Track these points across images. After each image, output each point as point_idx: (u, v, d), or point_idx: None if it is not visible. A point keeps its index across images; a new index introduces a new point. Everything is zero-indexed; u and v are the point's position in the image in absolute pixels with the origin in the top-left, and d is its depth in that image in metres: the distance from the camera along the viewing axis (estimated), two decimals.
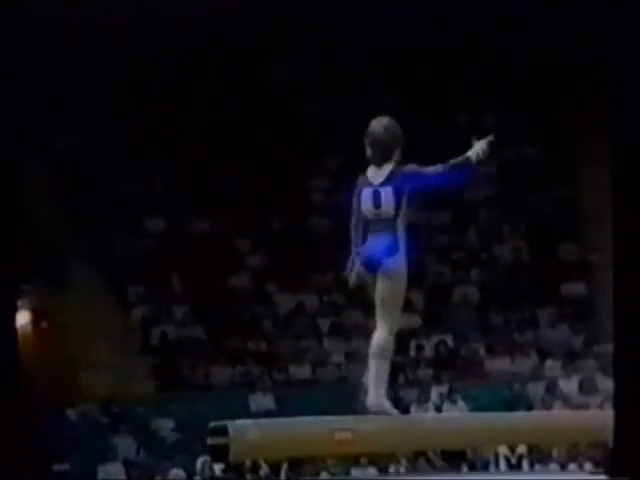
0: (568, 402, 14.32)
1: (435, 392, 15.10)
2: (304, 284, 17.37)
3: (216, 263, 17.17)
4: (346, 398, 14.99)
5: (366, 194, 5.74)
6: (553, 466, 13.41)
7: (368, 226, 5.76)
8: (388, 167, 5.74)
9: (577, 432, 6.61)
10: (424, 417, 6.05)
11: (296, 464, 4.86)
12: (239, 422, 5.12)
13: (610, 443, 6.72)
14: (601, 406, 13.93)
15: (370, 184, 5.76)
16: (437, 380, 15.55)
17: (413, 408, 14.67)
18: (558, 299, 16.77)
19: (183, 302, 16.85)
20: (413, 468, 13.70)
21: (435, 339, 16.33)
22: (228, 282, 17.24)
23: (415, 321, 16.78)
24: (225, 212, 17.88)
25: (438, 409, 14.47)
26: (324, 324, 16.91)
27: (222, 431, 5.00)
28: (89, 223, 16.66)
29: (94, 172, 17.31)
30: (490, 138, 5.79)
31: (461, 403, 14.66)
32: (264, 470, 12.45)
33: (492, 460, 13.72)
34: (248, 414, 13.44)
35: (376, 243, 5.68)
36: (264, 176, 18.14)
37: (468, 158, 5.74)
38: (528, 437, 6.91)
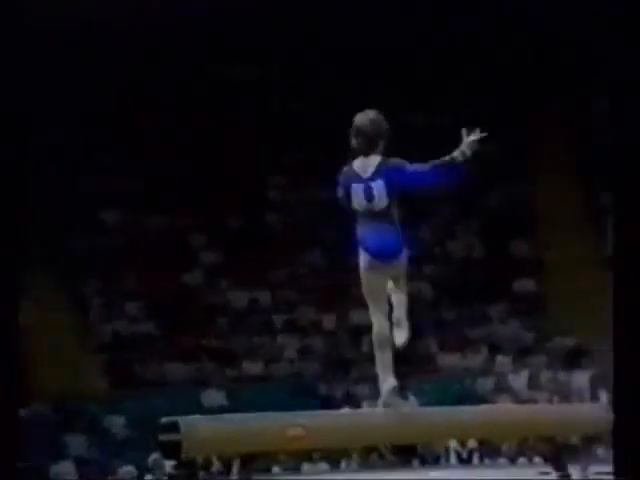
0: (517, 397, 14.46)
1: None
2: (258, 280, 17.37)
3: (170, 259, 17.12)
4: (299, 394, 15.08)
5: (357, 189, 5.79)
6: (502, 460, 13.53)
7: (361, 220, 5.84)
8: (375, 159, 5.78)
9: (526, 427, 6.67)
10: (375, 412, 6.10)
11: (248, 460, 4.86)
12: (191, 418, 5.11)
13: (559, 437, 6.81)
14: (550, 401, 14.09)
15: (359, 177, 5.80)
16: None
17: (365, 403, 14.72)
18: (509, 295, 16.91)
19: (136, 298, 16.77)
20: (365, 463, 13.75)
21: None
22: (182, 278, 17.20)
23: (368, 317, 16.83)
24: (179, 208, 17.82)
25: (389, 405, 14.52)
26: (278, 320, 16.92)
27: (174, 427, 4.99)
28: (42, 219, 16.54)
29: (48, 167, 17.18)
30: (479, 135, 5.85)
31: (412, 398, 14.73)
32: (216, 466, 12.44)
33: (443, 454, 13.81)
34: (200, 410, 13.40)
35: (379, 234, 5.77)
36: (219, 173, 18.12)
37: (453, 158, 5.77)
38: (478, 432, 6.95)
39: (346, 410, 12.50)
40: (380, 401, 5.92)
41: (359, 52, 18.41)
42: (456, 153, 5.75)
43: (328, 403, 14.67)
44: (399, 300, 6.13)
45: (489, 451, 13.64)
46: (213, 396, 15.18)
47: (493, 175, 18.41)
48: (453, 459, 13.73)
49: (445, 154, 5.82)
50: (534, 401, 14.03)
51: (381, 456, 13.85)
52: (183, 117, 18.33)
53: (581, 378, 14.92)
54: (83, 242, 16.94)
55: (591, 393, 14.48)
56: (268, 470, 13.07)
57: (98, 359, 15.86)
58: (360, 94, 18.74)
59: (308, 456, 13.45)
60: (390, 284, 6.02)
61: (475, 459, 13.66)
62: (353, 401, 14.83)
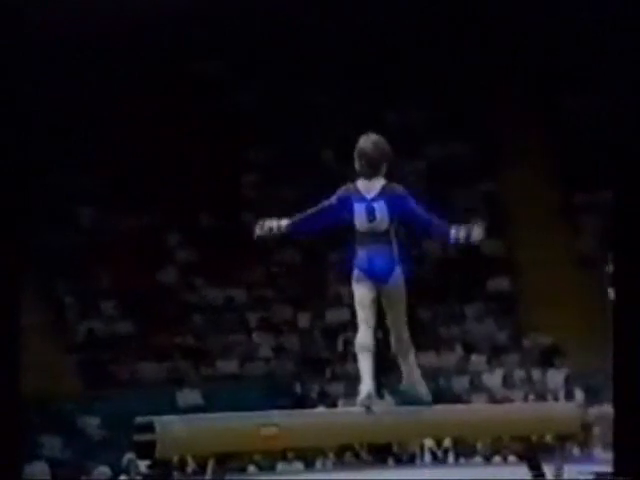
0: (492, 396, 14.50)
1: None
2: (233, 279, 17.34)
3: (144, 258, 17.06)
4: (273, 393, 15.07)
5: (359, 208, 5.97)
6: (477, 459, 13.57)
7: (358, 237, 5.99)
8: (379, 182, 6.00)
9: (501, 425, 6.69)
10: (351, 411, 6.11)
11: (223, 460, 4.85)
12: (166, 418, 5.09)
13: (534, 436, 6.83)
14: (525, 399, 14.15)
15: (362, 198, 5.99)
16: None
17: (340, 402, 14.73)
18: (484, 294, 16.95)
19: (110, 297, 16.70)
20: (340, 462, 13.76)
21: None
22: (156, 277, 17.14)
23: (343, 315, 16.84)
24: (153, 206, 17.77)
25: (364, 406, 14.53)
26: (252, 319, 16.89)
27: (148, 427, 4.97)
28: (15, 217, 16.41)
29: (21, 165, 17.05)
30: (482, 231, 5.93)
31: (388, 397, 14.74)
32: (191, 466, 12.41)
33: (418, 453, 13.84)
34: (175, 410, 13.38)
35: (377, 255, 5.95)
36: (193, 170, 18.07)
37: (449, 231, 5.90)
38: (453, 431, 6.97)
39: (321, 409, 12.53)
40: (357, 401, 6.08)
41: (328, 48, 18.42)
42: (454, 231, 5.88)
43: (303, 402, 14.67)
44: (406, 365, 6.42)
45: (464, 450, 13.68)
46: (188, 395, 15.15)
47: (465, 174, 18.49)
48: (428, 458, 13.76)
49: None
50: (509, 400, 14.08)
51: (356, 455, 13.86)
52: (157, 115, 18.28)
53: (556, 377, 14.99)
54: (56, 240, 16.85)
55: (566, 392, 14.56)
56: (243, 470, 13.06)
57: (72, 359, 15.78)
58: (331, 91, 18.81)
59: (283, 455, 13.44)
60: (389, 317, 6.25)
61: (450, 458, 13.69)
62: (328, 400, 14.83)
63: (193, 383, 15.44)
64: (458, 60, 18.63)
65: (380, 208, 5.92)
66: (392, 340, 6.35)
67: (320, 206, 6.24)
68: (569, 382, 14.76)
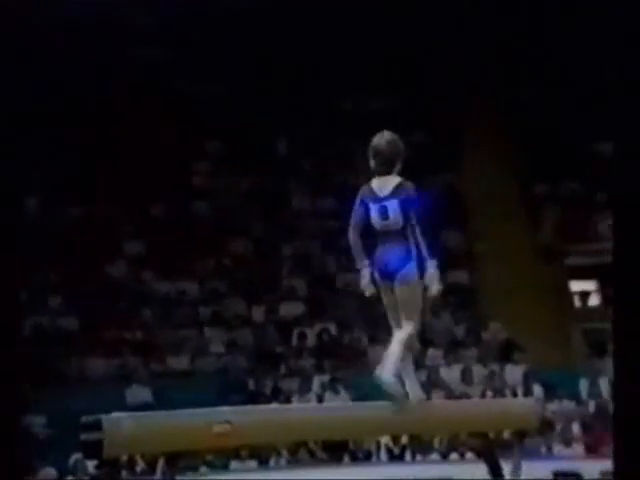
0: (450, 391, 14.59)
1: (317, 382, 15.22)
2: (184, 271, 17.29)
3: (91, 250, 16.95)
4: (226, 389, 15.05)
5: (373, 207, 6.26)
6: (435, 456, 13.66)
7: (377, 237, 6.28)
8: (394, 180, 6.24)
9: (459, 422, 6.75)
10: (305, 407, 6.10)
11: (173, 459, 4.83)
12: (114, 416, 5.08)
13: (492, 433, 6.89)
14: (482, 395, 14.26)
15: (376, 196, 6.25)
16: (319, 369, 15.67)
17: (295, 398, 14.76)
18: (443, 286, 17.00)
19: (56, 291, 16.58)
20: (294, 460, 13.78)
21: (318, 327, 16.44)
22: (104, 270, 17.05)
23: (298, 309, 16.87)
24: (101, 196, 17.66)
25: (320, 399, 14.59)
26: (204, 313, 16.86)
27: (96, 426, 4.96)
28: None
29: None
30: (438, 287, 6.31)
31: (343, 392, 14.81)
32: (140, 466, 12.37)
33: (374, 450, 13.90)
34: (124, 407, 13.31)
35: (390, 253, 6.20)
36: (143, 158, 17.98)
37: (428, 268, 6.23)
38: (410, 427, 7.02)
39: (275, 405, 12.54)
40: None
41: (282, 36, 18.40)
42: (430, 274, 6.24)
43: (256, 398, 14.67)
44: (400, 335, 6.48)
45: (421, 447, 13.75)
46: (137, 392, 15.09)
47: (423, 164, 18.53)
48: (384, 455, 13.82)
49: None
50: (467, 396, 14.18)
51: (311, 453, 13.90)
52: (105, 102, 18.16)
53: (514, 372, 15.12)
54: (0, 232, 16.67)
55: (524, 387, 14.69)
56: (195, 469, 13.04)
57: (16, 354, 15.62)
58: (286, 79, 18.79)
59: (236, 454, 13.44)
60: (403, 310, 6.40)
61: (407, 455, 13.77)
62: (282, 396, 14.85)
63: (142, 380, 15.38)
64: (416, 49, 18.71)
65: (393, 207, 6.18)
66: (400, 331, 6.49)
67: (356, 221, 6.42)
68: (528, 377, 14.89)
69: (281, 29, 18.36)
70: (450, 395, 14.17)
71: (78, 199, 17.61)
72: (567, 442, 13.78)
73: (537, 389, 14.57)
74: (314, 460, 13.81)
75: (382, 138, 6.32)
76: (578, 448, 13.78)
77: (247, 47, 18.71)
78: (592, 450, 13.77)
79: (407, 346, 6.49)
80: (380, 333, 16.47)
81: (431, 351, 15.91)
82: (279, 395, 14.95)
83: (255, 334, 16.61)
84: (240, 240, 18.04)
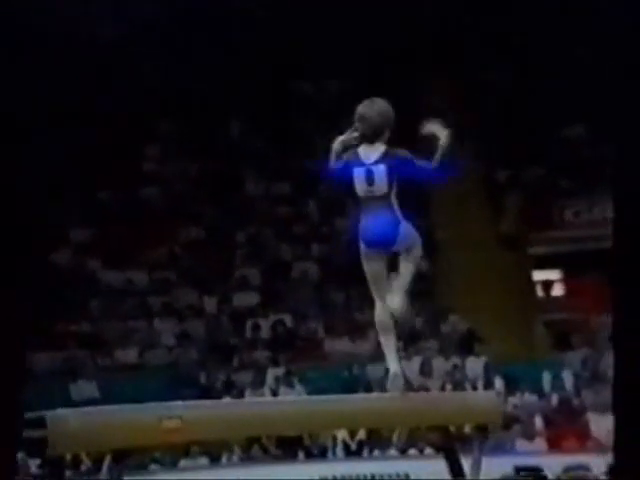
0: (409, 384, 14.66)
1: (271, 375, 15.26)
2: (132, 260, 17.24)
3: (35, 237, 16.82)
4: (176, 383, 15.04)
5: (358, 172, 6.17)
6: (393, 452, 13.73)
7: (362, 205, 6.23)
8: (381, 147, 6.22)
9: (418, 415, 6.79)
10: (259, 402, 6.14)
11: (121, 456, 4.82)
12: (58, 412, 5.07)
13: (451, 427, 6.95)
14: (442, 388, 14.37)
15: (361, 162, 6.19)
16: (274, 362, 15.71)
17: (248, 392, 14.79)
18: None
19: None
20: (247, 456, 13.81)
21: (272, 318, 16.47)
22: (48, 258, 16.96)
23: (252, 299, 16.89)
24: (45, 180, 17.53)
25: (274, 393, 14.63)
26: (154, 303, 16.83)
27: (39, 422, 4.94)
28: None
29: None
30: (441, 128, 6.33)
31: (298, 386, 14.85)
32: (86, 464, 12.32)
33: (330, 446, 13.95)
34: (69, 403, 13.28)
35: (377, 220, 6.19)
36: (90, 141, 17.86)
37: (443, 155, 6.23)
38: (368, 421, 7.06)
39: (227, 400, 12.55)
40: (387, 386, 6.38)
41: (235, 16, 18.37)
42: (441, 150, 6.23)
43: (208, 392, 14.68)
44: (404, 269, 6.40)
45: (379, 442, 13.83)
46: (83, 387, 15.04)
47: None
48: (341, 451, 13.88)
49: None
50: (426, 389, 14.27)
51: (264, 449, 13.93)
52: (52, 82, 18.00)
53: (475, 364, 15.24)
54: None
55: (485, 380, 14.80)
56: (143, 467, 13.01)
57: None
58: (237, 57, 18.74)
59: (186, 450, 13.44)
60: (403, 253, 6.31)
61: (364, 451, 13.84)
62: (235, 390, 14.87)
63: (89, 374, 15.34)
64: (377, 30, 18.73)
65: (379, 172, 6.14)
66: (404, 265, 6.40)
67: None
68: (489, 370, 15.01)
69: (236, 8, 18.31)
70: (409, 388, 14.24)
71: (20, 184, 17.46)
72: (529, 437, 13.92)
73: (498, 382, 14.69)
74: (268, 456, 13.84)
75: (371, 105, 6.30)
76: (540, 443, 13.93)
77: (201, 26, 18.65)
78: (555, 445, 13.93)
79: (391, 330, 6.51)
80: (337, 324, 16.55)
81: None
82: (232, 389, 14.97)
83: (207, 325, 16.61)
84: (191, 227, 18.01)
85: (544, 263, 17.36)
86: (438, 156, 6.23)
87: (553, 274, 17.73)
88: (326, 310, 16.75)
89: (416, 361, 15.28)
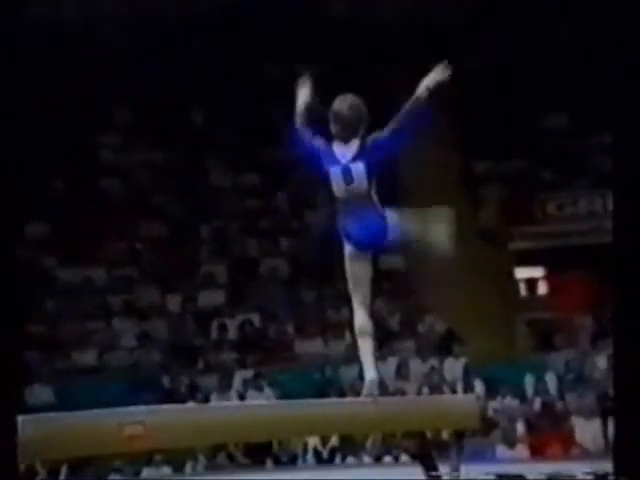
0: (384, 388, 14.72)
1: (238, 378, 15.27)
2: (90, 256, 17.21)
3: None
4: (138, 387, 15.03)
5: (335, 172, 6.26)
6: (366, 459, 13.78)
7: (340, 206, 6.31)
8: (355, 143, 6.31)
9: (393, 421, 6.83)
10: (225, 406, 6.16)
11: (79, 466, 4.81)
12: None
13: (428, 433, 6.99)
14: (419, 392, 14.42)
15: (337, 161, 6.27)
16: (241, 364, 15.72)
17: (214, 396, 14.80)
18: (375, 273, 17.11)
19: None
20: (212, 465, 13.82)
21: (240, 318, 16.48)
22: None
23: (217, 298, 16.89)
24: None
25: (241, 397, 14.65)
26: (114, 302, 16.81)
27: None
28: None
29: None
30: (444, 66, 6.63)
31: (267, 390, 14.88)
32: (41, 475, 12.28)
33: (301, 453, 13.99)
34: (23, 408, 13.22)
35: (362, 222, 6.26)
36: (43, 129, 17.80)
37: (417, 98, 6.39)
38: (341, 427, 7.09)
39: (192, 404, 12.55)
40: (363, 392, 6.41)
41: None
42: (420, 90, 6.42)
43: (171, 397, 14.68)
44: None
45: (352, 449, 13.87)
46: (38, 392, 15.01)
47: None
48: (312, 458, 13.92)
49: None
50: (402, 392, 14.32)
51: (230, 457, 13.95)
52: (3, 69, 17.91)
53: (454, 366, 15.30)
54: None
55: (464, 383, 14.87)
56: (102, 477, 12.99)
57: None
58: (201, 40, 18.72)
59: (148, 458, 13.44)
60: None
61: (337, 458, 13.88)
62: (200, 394, 14.88)
63: (44, 378, 15.30)
64: (351, 12, 18.78)
65: (357, 169, 6.22)
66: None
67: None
68: (468, 372, 15.09)
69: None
70: (384, 392, 14.29)
71: None
72: (510, 443, 14.00)
73: (478, 385, 14.77)
74: (234, 465, 13.86)
75: (344, 102, 6.40)
76: (522, 450, 14.01)
77: (163, 5, 18.63)
78: (537, 452, 14.01)
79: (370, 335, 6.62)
80: (308, 324, 16.58)
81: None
82: (197, 393, 14.97)
83: (170, 326, 16.60)
84: (153, 221, 17.99)
85: (526, 259, 17.45)
86: (405, 109, 6.36)
87: (536, 271, 17.83)
88: (297, 309, 16.79)
89: (391, 363, 15.33)
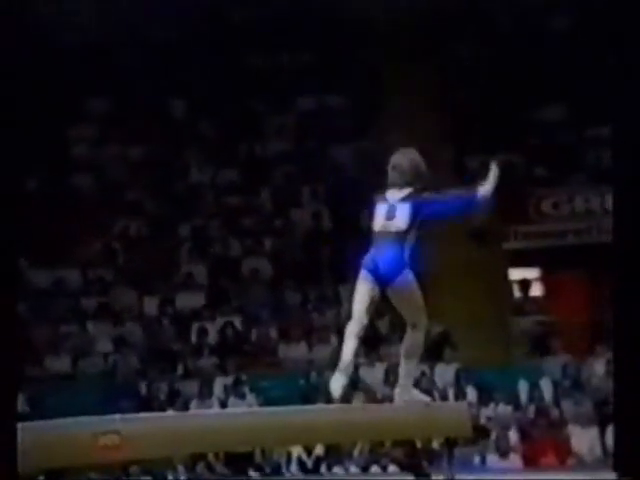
0: (371, 394, 14.76)
1: (219, 384, 15.29)
2: (63, 257, 17.20)
3: None
4: (114, 394, 15.03)
5: (380, 207, 6.92)
6: (353, 469, 13.82)
7: (374, 239, 6.93)
8: (408, 189, 6.95)
9: (381, 429, 6.87)
10: (205, 414, 6.17)
11: (53, 477, 4.82)
12: None
13: (418, 441, 7.03)
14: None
15: (386, 200, 6.94)
16: (222, 370, 15.74)
17: (193, 404, 14.82)
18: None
19: None
20: (192, 476, 13.84)
21: (220, 321, 16.49)
22: None
23: (197, 300, 16.90)
24: None
25: (222, 404, 14.67)
26: (88, 305, 16.80)
27: None
28: None
29: None
30: (495, 168, 7.11)
31: (249, 396, 14.90)
32: None
33: (284, 463, 14.02)
34: None
35: (384, 256, 6.83)
36: (10, 121, 17.73)
37: (475, 196, 7.02)
38: (326, 435, 7.12)
39: (170, 412, 12.56)
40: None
41: None
42: (481, 190, 7.03)
43: (149, 404, 14.70)
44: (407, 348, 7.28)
45: (338, 459, 13.91)
46: None
47: (344, 129, 18.68)
48: (296, 468, 13.95)
49: None
50: (391, 399, 14.35)
51: (210, 467, 13.97)
52: None
53: (445, 372, 15.34)
54: None
55: (456, 389, 14.92)
56: None
57: None
58: (180, 29, 18.72)
59: (125, 469, 13.44)
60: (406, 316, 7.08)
61: (322, 468, 13.91)
62: (179, 401, 14.89)
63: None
64: (335, 6, 18.81)
65: (402, 209, 6.80)
66: (406, 339, 7.24)
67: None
68: (460, 378, 15.13)
69: None
70: (372, 398, 14.34)
71: None
72: (503, 452, 14.05)
73: (470, 392, 14.81)
74: (215, 476, 13.88)
75: (405, 157, 7.02)
76: (516, 459, 14.05)
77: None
78: (532, 462, 14.06)
79: (414, 358, 7.22)
80: (292, 328, 16.61)
81: None
82: (175, 400, 14.98)
83: (147, 329, 16.61)
84: (129, 219, 17.99)
85: (520, 260, 17.48)
86: (466, 196, 7.00)
87: (530, 272, 17.87)
88: (280, 312, 16.80)
89: (379, 369, 15.36)
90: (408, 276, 6.82)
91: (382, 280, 6.86)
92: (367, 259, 6.92)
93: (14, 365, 5.57)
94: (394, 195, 6.90)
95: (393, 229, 6.81)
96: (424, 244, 6.99)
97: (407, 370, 7.12)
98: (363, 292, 6.95)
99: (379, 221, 6.87)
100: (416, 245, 6.86)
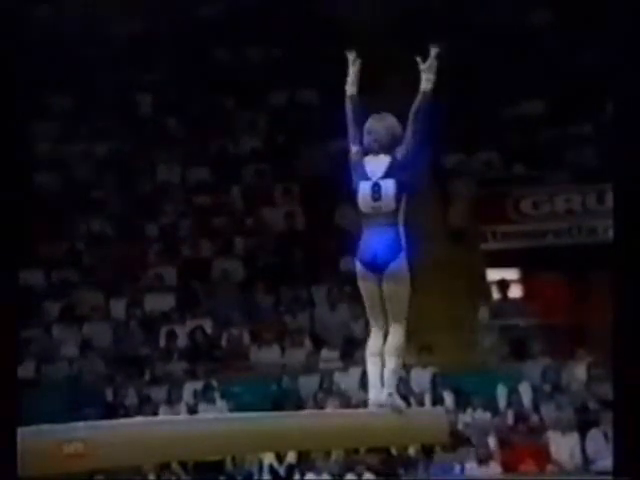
0: (346, 399, 14.78)
1: (189, 389, 15.27)
2: (27, 257, 17.14)
3: None
4: (78, 401, 14.99)
5: (364, 187, 6.67)
6: (326, 477, 13.81)
7: (364, 222, 6.67)
8: (386, 159, 6.72)
9: (355, 435, 6.87)
10: (174, 421, 6.17)
11: None
12: None
13: (393, 448, 7.04)
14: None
15: (367, 177, 6.70)
16: (192, 375, 15.72)
17: (162, 410, 14.79)
18: (337, 276, 17.18)
19: None
20: None
21: (190, 325, 16.47)
22: None
23: (166, 302, 16.87)
24: None
25: (192, 410, 14.64)
26: (52, 308, 16.75)
27: None
28: None
29: None
30: (434, 52, 7.04)
31: (220, 402, 14.89)
32: None
33: (256, 471, 14.02)
34: None
35: (378, 242, 6.58)
36: None
37: (423, 93, 6.83)
38: (299, 442, 7.12)
39: (138, 419, 12.53)
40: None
41: None
42: (424, 84, 6.84)
43: (115, 411, 14.67)
44: (390, 348, 6.83)
45: (311, 466, 13.91)
46: None
47: (317, 126, 18.67)
48: (268, 476, 13.95)
49: None
50: (365, 404, 14.36)
51: (178, 476, 13.95)
52: None
53: (421, 376, 15.36)
54: None
55: (432, 395, 14.94)
56: None
57: None
58: (149, 21, 18.69)
59: (89, 479, 13.40)
60: (390, 309, 6.78)
61: (295, 475, 13.91)
62: (147, 408, 14.87)
63: None
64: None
65: (386, 186, 6.59)
66: (389, 337, 6.87)
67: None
68: (437, 383, 15.15)
69: None
70: (346, 404, 14.36)
71: None
72: (482, 459, 14.08)
73: (447, 397, 14.84)
74: None
75: (381, 122, 6.83)
76: (494, 466, 14.10)
77: None
78: (511, 469, 14.11)
79: (399, 355, 6.86)
80: (265, 330, 16.60)
81: (324, 352, 16.09)
82: (143, 406, 14.96)
83: (114, 333, 16.57)
84: (95, 219, 17.94)
85: (499, 261, 17.53)
86: (413, 108, 6.76)
87: (509, 273, 17.92)
88: (252, 315, 16.79)
89: (354, 373, 15.37)
90: (403, 261, 6.64)
91: (380, 268, 6.63)
92: (361, 248, 6.65)
93: None
94: (373, 168, 6.70)
95: (384, 209, 6.62)
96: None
97: (394, 370, 6.83)
98: (368, 292, 6.73)
99: (366, 202, 6.65)
100: (406, 227, 6.67)
